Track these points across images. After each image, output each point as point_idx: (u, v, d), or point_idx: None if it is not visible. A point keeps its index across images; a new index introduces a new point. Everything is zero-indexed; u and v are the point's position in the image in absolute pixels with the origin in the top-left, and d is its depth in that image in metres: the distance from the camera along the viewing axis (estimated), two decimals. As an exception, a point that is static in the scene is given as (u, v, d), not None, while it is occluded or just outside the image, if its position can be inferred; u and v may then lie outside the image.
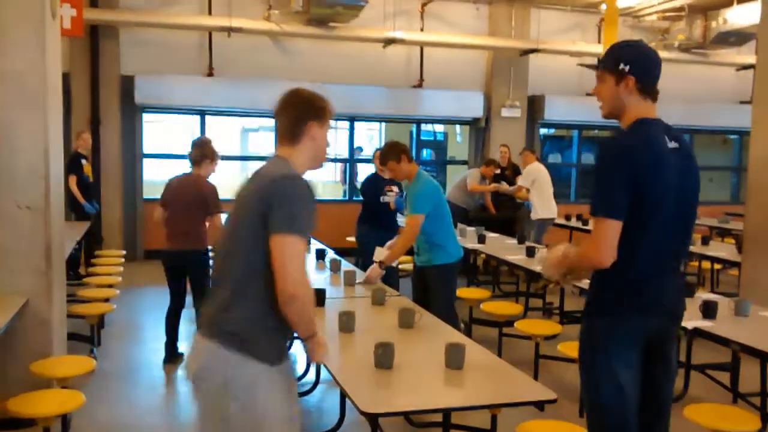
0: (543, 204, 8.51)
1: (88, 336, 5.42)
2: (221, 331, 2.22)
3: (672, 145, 2.49)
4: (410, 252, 5.16)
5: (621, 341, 2.50)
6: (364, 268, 5.43)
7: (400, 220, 6.79)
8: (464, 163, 11.70)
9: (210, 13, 9.71)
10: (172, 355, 5.45)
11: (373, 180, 6.95)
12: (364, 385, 2.81)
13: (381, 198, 6.73)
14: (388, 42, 10.04)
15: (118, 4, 9.39)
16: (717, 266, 7.56)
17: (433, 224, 4.78)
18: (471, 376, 2.93)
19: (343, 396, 3.79)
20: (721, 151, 14.37)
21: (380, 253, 4.93)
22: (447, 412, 2.72)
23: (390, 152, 4.91)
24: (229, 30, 9.37)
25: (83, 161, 8.21)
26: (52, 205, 4.24)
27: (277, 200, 2.19)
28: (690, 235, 2.65)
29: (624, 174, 2.40)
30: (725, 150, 14.37)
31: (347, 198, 11.23)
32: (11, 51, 4.00)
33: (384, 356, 2.95)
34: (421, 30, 10.50)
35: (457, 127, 14.06)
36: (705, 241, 7.25)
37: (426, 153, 13.98)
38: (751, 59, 11.40)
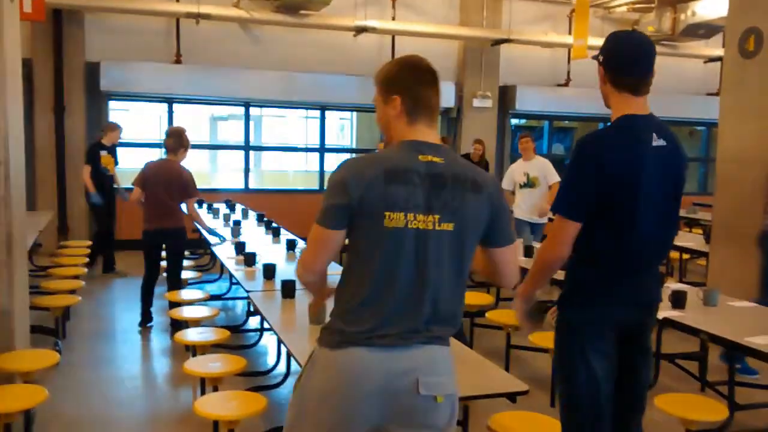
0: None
1: (52, 328, 5.29)
2: None
3: (657, 142, 2.45)
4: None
5: (595, 332, 2.50)
6: None
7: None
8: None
9: (178, -1, 9.53)
10: (146, 320, 6.04)
11: None
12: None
13: None
14: (360, 30, 9.95)
15: (82, -11, 9.15)
16: (685, 256, 7.64)
17: None
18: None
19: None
20: (689, 142, 14.55)
21: None
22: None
23: None
24: (198, 17, 9.20)
25: (103, 152, 7.86)
26: (13, 193, 4.11)
27: None
28: (674, 230, 2.64)
29: (590, 175, 2.39)
30: (693, 141, 14.55)
31: (319, 188, 11.12)
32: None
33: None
34: (393, 19, 10.43)
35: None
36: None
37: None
38: (719, 51, 11.58)
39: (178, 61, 9.73)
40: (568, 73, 11.66)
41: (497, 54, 11.10)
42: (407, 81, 2.11)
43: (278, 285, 4.19)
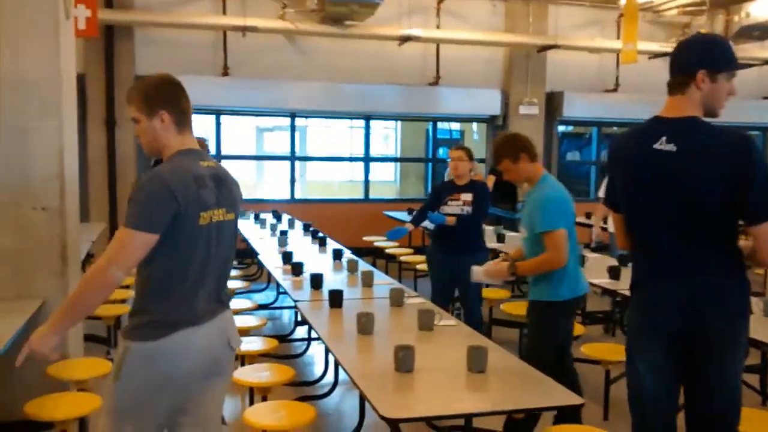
0: None
1: (104, 337, 5.39)
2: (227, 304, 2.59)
3: (663, 147, 2.43)
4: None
5: (638, 334, 2.66)
6: (434, 293, 5.38)
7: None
8: (482, 161, 11.59)
9: (224, 12, 9.67)
10: None
11: (438, 186, 5.78)
12: (385, 389, 2.74)
13: (439, 209, 5.37)
14: (404, 40, 9.95)
15: (133, 5, 9.38)
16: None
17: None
18: (494, 379, 2.85)
19: (363, 399, 3.72)
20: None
21: (477, 273, 3.96)
22: (467, 418, 2.63)
23: (505, 148, 3.80)
24: (244, 29, 9.33)
25: None
26: (67, 205, 4.21)
27: None
28: (698, 237, 2.48)
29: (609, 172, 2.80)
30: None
31: (365, 197, 11.14)
32: (25, 56, 3.97)
33: (405, 359, 2.88)
34: (437, 27, 10.40)
35: (474, 124, 13.97)
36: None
37: (442, 151, 13.88)
38: (776, 54, 11.26)
39: (225, 74, 9.87)
40: (617, 78, 11.46)
41: (543, 60, 10.98)
42: (171, 95, 2.39)
43: (326, 295, 4.19)
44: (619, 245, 2.85)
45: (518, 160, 3.75)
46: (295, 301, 4.29)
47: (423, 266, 7.32)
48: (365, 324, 3.47)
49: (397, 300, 4.12)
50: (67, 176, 4.21)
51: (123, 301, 5.62)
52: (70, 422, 3.29)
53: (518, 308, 5.54)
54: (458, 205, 5.24)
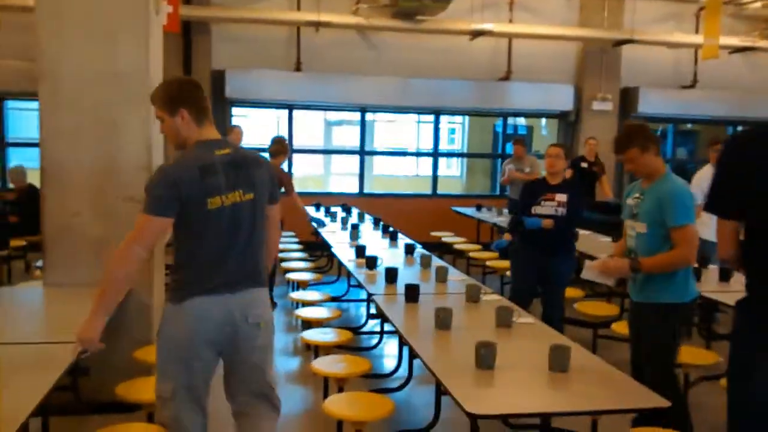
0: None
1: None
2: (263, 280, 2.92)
3: None
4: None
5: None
6: (515, 291, 5.24)
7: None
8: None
9: (299, 8, 9.81)
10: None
11: (532, 185, 5.36)
12: (465, 384, 2.74)
13: (532, 209, 5.09)
14: (477, 34, 9.89)
15: (209, 1, 9.61)
16: None
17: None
18: (575, 379, 2.82)
19: (439, 394, 3.74)
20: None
21: (590, 269, 3.76)
22: (547, 417, 2.62)
23: (635, 136, 3.55)
24: (318, 24, 9.44)
25: None
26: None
27: None
28: None
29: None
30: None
31: (432, 193, 11.13)
32: (118, 50, 4.13)
33: (486, 356, 2.88)
34: (510, 21, 10.29)
35: (542, 120, 13.77)
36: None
37: (507, 147, 13.77)
38: None
39: (298, 69, 10.02)
40: (695, 74, 11.11)
41: (618, 55, 10.73)
42: (190, 95, 2.74)
43: (400, 289, 4.22)
44: (721, 255, 2.49)
45: (647, 151, 3.51)
46: (371, 294, 4.33)
47: (492, 263, 7.31)
48: (444, 319, 3.48)
49: (473, 296, 4.11)
50: (153, 168, 4.36)
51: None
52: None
53: (594, 308, 5.47)
54: (553, 206, 5.00)
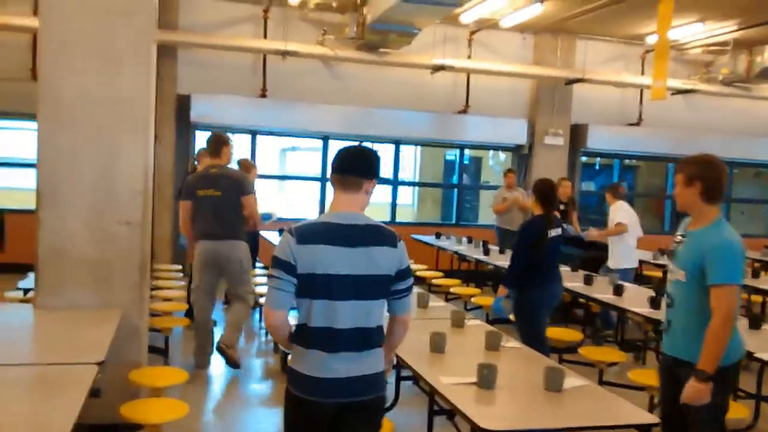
0: (627, 251, 7.34)
1: (160, 348, 5.58)
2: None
3: None
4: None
5: None
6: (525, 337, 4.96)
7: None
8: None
9: (265, 36, 9.99)
10: None
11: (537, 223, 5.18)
12: (472, 403, 2.95)
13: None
14: (437, 69, 10.25)
15: (177, 26, 9.69)
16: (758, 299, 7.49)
17: None
18: (570, 398, 3.07)
19: (432, 414, 3.92)
20: (753, 184, 14.40)
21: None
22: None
23: (692, 163, 3.15)
24: (285, 53, 9.63)
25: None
26: (146, 219, 4.44)
27: None
28: None
29: None
30: (759, 182, 14.39)
31: (391, 220, 11.38)
32: (123, 75, 4.23)
33: (488, 376, 3.10)
34: (469, 57, 10.71)
35: (490, 152, 14.25)
36: (755, 274, 7.30)
37: (454, 177, 14.17)
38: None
39: (263, 95, 10.17)
40: (640, 113, 11.76)
41: (569, 93, 11.27)
42: (210, 145, 6.13)
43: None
44: None
45: (691, 186, 3.11)
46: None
47: (456, 289, 7.56)
48: (438, 342, 3.68)
49: (458, 321, 4.34)
50: (147, 192, 4.45)
51: (179, 313, 5.85)
52: (160, 426, 3.50)
53: (559, 333, 5.74)
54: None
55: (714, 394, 3.00)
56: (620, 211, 7.33)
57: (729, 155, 11.88)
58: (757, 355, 4.00)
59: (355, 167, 2.58)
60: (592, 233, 7.60)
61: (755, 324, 4.71)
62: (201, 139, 10.39)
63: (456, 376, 3.22)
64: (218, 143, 5.86)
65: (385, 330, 2.65)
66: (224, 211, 5.67)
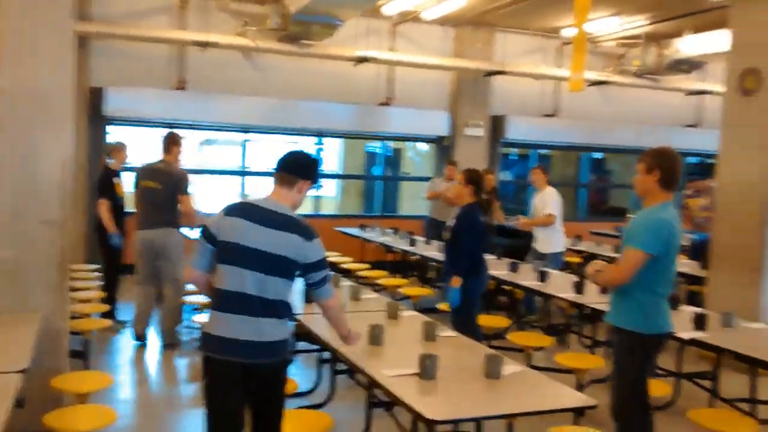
0: (558, 235, 7.47)
1: (80, 351, 5.32)
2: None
3: None
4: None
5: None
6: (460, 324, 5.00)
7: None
8: (427, 179, 11.94)
9: (184, 27, 9.69)
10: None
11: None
12: (415, 394, 2.95)
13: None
14: (360, 60, 10.22)
15: (90, 16, 9.27)
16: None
17: (649, 274, 3.45)
18: (510, 384, 3.12)
19: (370, 407, 3.91)
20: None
21: None
22: (479, 421, 2.88)
23: (652, 155, 3.54)
24: (205, 45, 9.37)
25: (116, 179, 7.10)
26: (67, 218, 4.24)
27: None
28: None
29: None
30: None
31: (314, 213, 11.31)
32: (42, 70, 4.02)
33: (430, 367, 3.11)
34: (392, 50, 10.73)
35: (409, 143, 14.38)
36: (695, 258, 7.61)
37: (377, 169, 14.21)
38: (700, 85, 12.13)
39: (181, 87, 9.88)
40: (557, 104, 12.08)
41: (488, 84, 11.46)
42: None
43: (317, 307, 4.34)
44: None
45: (650, 173, 3.49)
46: (293, 314, 4.42)
47: (383, 281, 7.58)
48: (377, 335, 3.67)
49: (393, 313, 4.34)
50: (68, 189, 4.25)
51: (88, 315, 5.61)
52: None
53: (488, 321, 5.84)
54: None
55: (624, 357, 3.53)
56: (551, 199, 7.40)
57: (640, 144, 12.35)
58: (678, 334, 4.19)
59: (293, 166, 3.04)
60: (521, 221, 7.70)
61: (673, 305, 4.90)
62: (116, 133, 10.03)
63: (396, 368, 3.23)
64: (169, 142, 6.41)
65: (292, 307, 3.10)
66: (162, 204, 6.16)
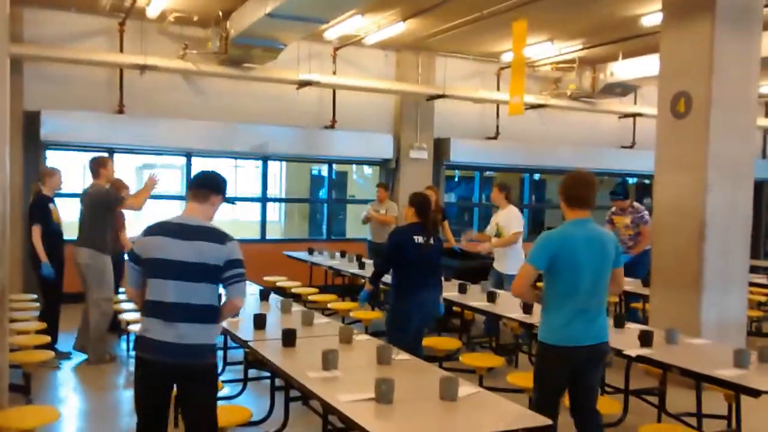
0: (519, 255, 7.25)
1: (23, 385, 5.13)
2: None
3: None
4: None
5: None
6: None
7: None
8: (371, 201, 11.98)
9: (122, 50, 9.53)
10: None
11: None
12: (373, 419, 2.93)
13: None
14: (303, 84, 10.22)
15: (22, 37, 9.03)
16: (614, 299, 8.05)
17: (550, 289, 3.77)
18: (466, 406, 3.13)
19: (326, 433, 3.86)
20: (600, 190, 15.46)
21: None
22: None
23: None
24: (143, 68, 9.23)
25: (51, 205, 6.84)
26: (4, 245, 4.09)
27: None
28: None
29: None
30: (604, 189, 15.48)
31: (261, 238, 11.20)
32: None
33: (387, 391, 3.10)
34: (334, 73, 10.78)
35: (354, 166, 14.42)
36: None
37: (323, 192, 14.18)
38: (633, 109, 12.59)
39: (120, 111, 9.68)
40: (497, 127, 12.32)
41: (431, 108, 11.62)
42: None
43: (270, 335, 4.30)
44: None
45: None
46: (245, 341, 4.36)
47: (334, 304, 7.54)
48: (331, 360, 3.64)
49: (346, 337, 4.32)
50: (5, 216, 4.10)
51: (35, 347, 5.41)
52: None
53: (438, 342, 5.87)
54: None
55: (537, 365, 3.92)
56: (515, 217, 7.33)
57: (577, 165, 12.74)
58: (626, 351, 4.30)
59: (206, 183, 3.44)
60: (485, 246, 7.54)
61: (619, 323, 5.04)
62: (53, 158, 9.75)
63: (352, 393, 3.20)
64: (97, 165, 6.66)
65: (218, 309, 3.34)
66: (86, 225, 6.45)
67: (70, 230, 6.90)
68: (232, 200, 3.70)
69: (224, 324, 4.75)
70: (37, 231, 6.64)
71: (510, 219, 7.31)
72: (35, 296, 7.44)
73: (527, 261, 3.72)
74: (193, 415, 3.33)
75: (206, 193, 3.39)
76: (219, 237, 3.27)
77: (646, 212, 7.98)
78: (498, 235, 7.34)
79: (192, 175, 3.47)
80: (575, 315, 3.68)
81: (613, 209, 8.39)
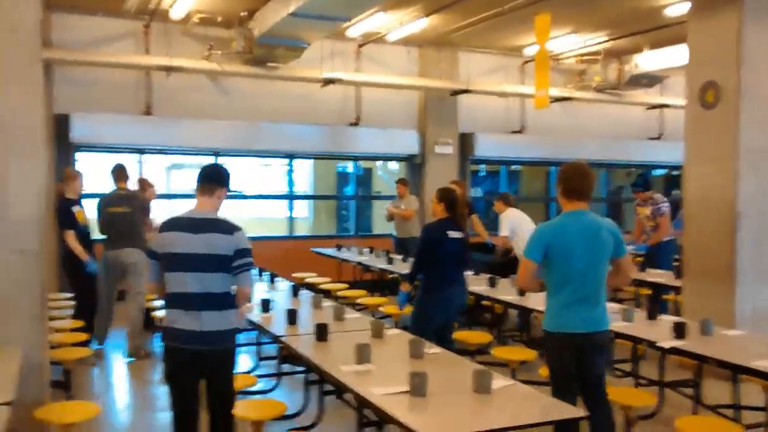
0: None
1: (60, 381, 5.22)
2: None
3: None
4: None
5: None
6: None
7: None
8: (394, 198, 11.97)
9: (147, 52, 9.65)
10: None
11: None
12: (408, 412, 2.95)
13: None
14: (327, 82, 10.26)
15: (51, 42, 9.18)
16: (646, 291, 7.99)
17: (548, 278, 3.86)
18: (500, 399, 3.14)
19: (361, 427, 3.90)
20: (627, 182, 15.33)
21: None
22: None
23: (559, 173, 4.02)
24: (170, 69, 9.34)
25: (75, 208, 7.00)
26: (45, 248, 4.18)
27: None
28: None
29: None
30: (630, 181, 15.32)
31: (289, 234, 11.27)
32: (11, 98, 3.98)
33: (420, 384, 3.12)
34: (357, 71, 10.80)
35: (379, 162, 14.43)
36: (643, 268, 7.73)
37: (349, 189, 14.23)
38: (659, 100, 12.44)
39: (148, 113, 9.81)
40: (522, 121, 12.27)
41: (455, 103, 11.59)
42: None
43: (302, 329, 4.34)
44: None
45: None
46: (278, 336, 4.41)
47: (363, 300, 7.57)
48: (364, 353, 3.67)
49: (378, 332, 4.34)
50: (42, 219, 4.19)
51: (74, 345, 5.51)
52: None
53: (471, 336, 5.87)
54: None
55: (546, 353, 4.02)
56: (503, 222, 7.66)
57: (606, 157, 12.74)
58: (659, 343, 4.27)
59: (211, 177, 3.61)
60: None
61: (652, 315, 5.01)
62: (83, 160, 9.90)
63: (386, 386, 3.23)
64: (123, 170, 7.19)
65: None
66: (131, 224, 6.90)
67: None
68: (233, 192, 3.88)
69: (256, 319, 4.85)
70: (70, 235, 6.87)
71: (500, 224, 7.73)
72: (71, 295, 7.56)
73: (524, 254, 3.82)
74: (219, 401, 3.53)
75: (212, 186, 3.55)
76: (227, 228, 3.45)
77: (665, 204, 7.92)
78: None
79: (199, 170, 3.64)
80: (572, 303, 3.75)
81: (638, 200, 8.36)
